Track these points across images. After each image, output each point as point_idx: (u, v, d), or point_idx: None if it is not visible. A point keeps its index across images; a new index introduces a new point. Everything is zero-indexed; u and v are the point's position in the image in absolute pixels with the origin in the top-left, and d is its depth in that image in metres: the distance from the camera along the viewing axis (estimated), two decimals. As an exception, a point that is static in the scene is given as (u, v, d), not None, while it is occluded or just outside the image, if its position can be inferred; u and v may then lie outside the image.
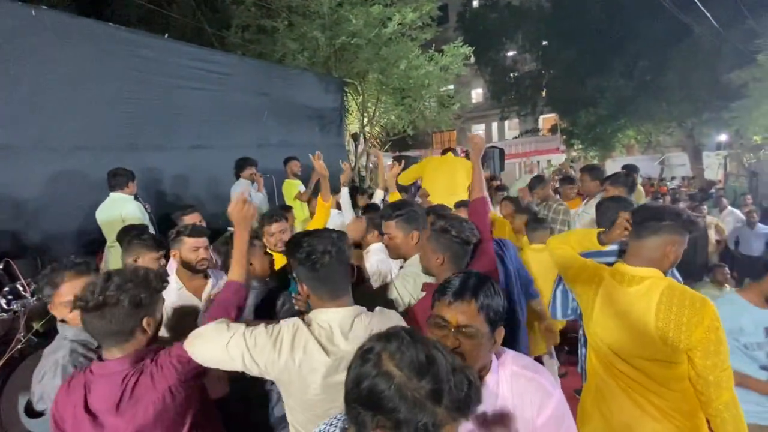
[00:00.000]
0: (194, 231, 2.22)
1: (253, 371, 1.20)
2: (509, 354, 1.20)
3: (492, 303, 1.11)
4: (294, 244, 1.31)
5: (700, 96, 12.68)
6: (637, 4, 13.13)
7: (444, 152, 4.62)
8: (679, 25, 11.99)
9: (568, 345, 3.59)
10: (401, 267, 2.00)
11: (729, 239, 6.31)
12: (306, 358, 1.18)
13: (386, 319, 1.33)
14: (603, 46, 14.18)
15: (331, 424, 0.95)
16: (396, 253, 1.94)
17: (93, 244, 3.74)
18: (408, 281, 1.80)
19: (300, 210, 4.70)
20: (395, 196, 3.11)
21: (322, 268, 1.24)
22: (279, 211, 2.81)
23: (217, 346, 1.19)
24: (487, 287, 1.13)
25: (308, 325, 1.24)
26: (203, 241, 2.21)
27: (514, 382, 1.13)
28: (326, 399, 1.20)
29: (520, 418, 1.11)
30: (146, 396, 1.20)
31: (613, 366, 1.58)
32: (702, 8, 10.15)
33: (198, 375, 1.30)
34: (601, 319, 1.60)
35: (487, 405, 1.10)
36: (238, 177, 4.55)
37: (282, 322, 1.24)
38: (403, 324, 1.35)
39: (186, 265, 2.11)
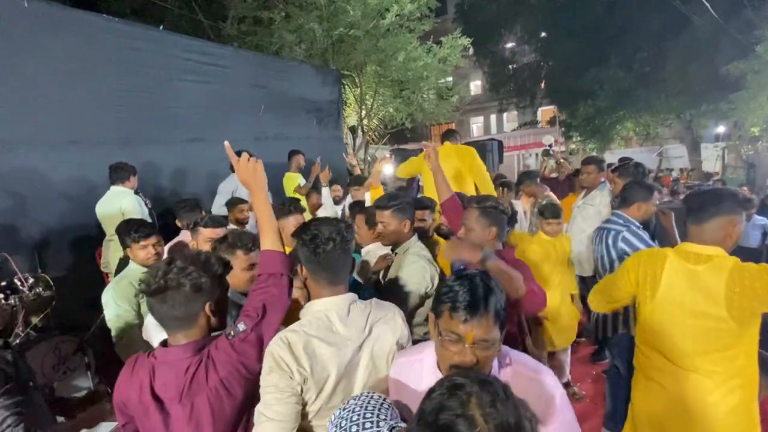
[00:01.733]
0: (211, 221, 2.29)
1: (307, 398, 1.19)
2: (510, 354, 1.17)
3: (500, 304, 1.06)
4: (302, 227, 1.33)
5: (698, 87, 12.64)
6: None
7: (442, 140, 4.23)
8: (678, 17, 11.91)
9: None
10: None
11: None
12: (315, 360, 1.18)
13: (385, 309, 1.35)
14: (602, 37, 14.09)
15: (365, 418, 0.96)
16: (389, 240, 2.15)
17: (92, 237, 3.74)
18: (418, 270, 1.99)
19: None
20: (378, 191, 3.13)
21: (323, 253, 1.24)
22: (296, 204, 2.70)
23: (278, 425, 1.14)
24: (494, 290, 1.07)
25: (299, 327, 1.22)
26: (220, 231, 2.26)
27: (516, 382, 1.08)
28: (341, 387, 1.22)
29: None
30: (202, 389, 1.19)
31: (674, 342, 1.63)
32: (701, -1, 10.09)
33: (251, 370, 1.24)
34: (666, 296, 1.64)
35: None
36: (233, 170, 4.52)
37: (269, 348, 1.20)
38: (400, 315, 1.37)
39: None
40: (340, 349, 1.20)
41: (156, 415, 1.18)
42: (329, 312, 1.24)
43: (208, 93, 5.05)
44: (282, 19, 7.58)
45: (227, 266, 1.34)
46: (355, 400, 1.03)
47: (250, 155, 1.43)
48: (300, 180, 4.97)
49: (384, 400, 1.04)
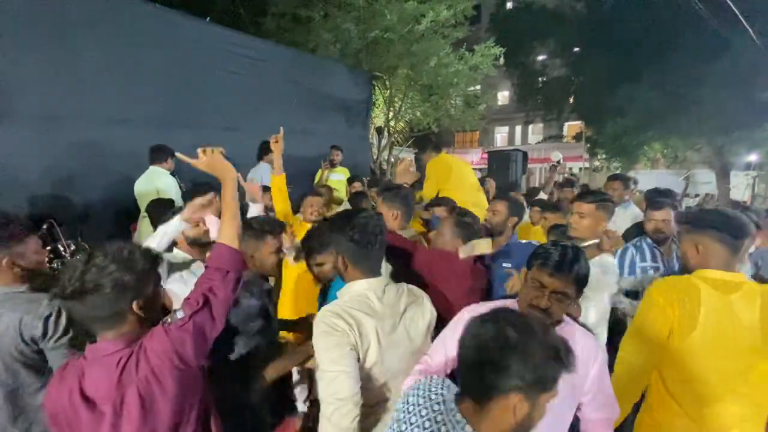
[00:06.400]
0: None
1: (364, 363, 1.29)
2: (570, 320, 1.42)
3: (582, 272, 1.31)
4: (345, 222, 1.37)
5: (733, 113, 12.33)
6: (676, 16, 12.81)
7: (429, 150, 4.02)
8: (718, 39, 11.67)
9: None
10: None
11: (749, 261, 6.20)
12: (361, 326, 1.29)
13: (415, 294, 1.46)
14: (637, 56, 13.87)
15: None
16: None
17: (130, 212, 3.92)
18: None
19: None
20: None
21: (371, 246, 1.35)
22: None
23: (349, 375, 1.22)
24: (580, 260, 1.32)
25: (341, 303, 1.34)
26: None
27: (579, 333, 1.38)
28: (382, 359, 1.32)
29: (582, 363, 1.29)
30: (131, 381, 1.10)
31: (715, 378, 1.50)
32: (744, 22, 9.89)
33: (187, 361, 1.16)
34: (707, 331, 1.49)
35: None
36: (259, 160, 4.67)
37: (318, 318, 1.30)
38: (428, 299, 1.49)
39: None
40: (377, 322, 1.31)
41: (86, 417, 1.09)
42: (368, 291, 1.36)
43: (244, 84, 5.23)
44: (320, 18, 7.76)
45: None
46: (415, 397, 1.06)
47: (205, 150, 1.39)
48: (331, 175, 5.19)
49: (439, 384, 1.08)
